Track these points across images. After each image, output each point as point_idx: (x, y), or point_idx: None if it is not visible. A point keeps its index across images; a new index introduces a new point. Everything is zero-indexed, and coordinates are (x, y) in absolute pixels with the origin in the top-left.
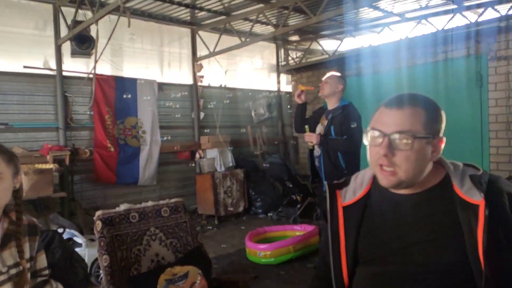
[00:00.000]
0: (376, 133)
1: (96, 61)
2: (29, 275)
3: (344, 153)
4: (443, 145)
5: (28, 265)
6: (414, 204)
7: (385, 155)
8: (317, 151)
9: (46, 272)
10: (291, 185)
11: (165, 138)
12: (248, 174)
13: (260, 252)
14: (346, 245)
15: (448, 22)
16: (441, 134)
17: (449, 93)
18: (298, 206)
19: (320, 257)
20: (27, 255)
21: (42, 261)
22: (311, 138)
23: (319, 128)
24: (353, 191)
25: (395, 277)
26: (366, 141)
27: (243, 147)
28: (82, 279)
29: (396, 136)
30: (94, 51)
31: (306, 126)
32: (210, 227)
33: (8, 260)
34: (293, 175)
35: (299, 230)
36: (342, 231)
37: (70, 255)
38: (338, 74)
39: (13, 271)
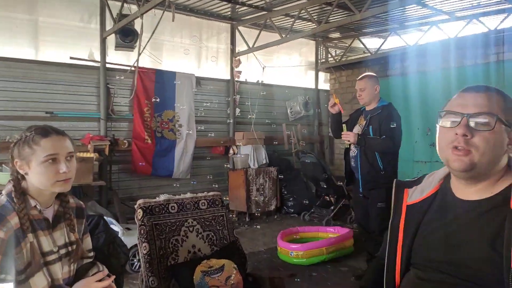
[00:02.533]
0: (453, 116)
1: (139, 54)
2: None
3: (382, 153)
4: None
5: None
6: (475, 214)
7: (464, 134)
8: (353, 151)
9: (91, 254)
10: (325, 186)
11: (200, 132)
12: (282, 172)
13: (292, 252)
14: (402, 245)
15: (501, 22)
16: None
17: None
18: (332, 207)
19: (383, 249)
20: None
21: (88, 243)
22: (348, 137)
23: (357, 129)
24: (421, 190)
25: (438, 286)
26: (439, 124)
27: (278, 144)
28: (124, 264)
29: (477, 117)
30: (137, 44)
31: (343, 125)
32: (241, 224)
33: (59, 240)
34: (328, 175)
35: (332, 232)
36: (401, 229)
37: (113, 240)
38: (371, 74)
39: (63, 251)
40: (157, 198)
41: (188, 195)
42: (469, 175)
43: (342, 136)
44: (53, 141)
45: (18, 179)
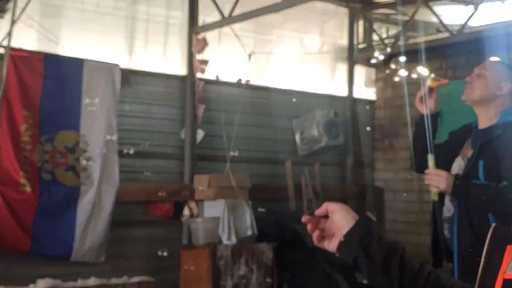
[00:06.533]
0: None
1: (12, 23)
2: None
3: (501, 214)
4: None
5: None
6: None
7: None
8: (448, 209)
9: None
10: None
11: (128, 173)
12: (282, 252)
13: None
14: None
15: None
16: None
17: None
18: None
19: None
20: None
21: None
22: (436, 180)
23: (458, 164)
24: None
25: None
26: None
27: (277, 200)
28: None
29: None
30: (11, 6)
31: (430, 157)
32: None
33: None
34: None
35: None
36: None
37: None
38: (502, 62)
39: None
40: (31, 285)
41: (92, 279)
42: None
43: (425, 178)
44: None
45: None
